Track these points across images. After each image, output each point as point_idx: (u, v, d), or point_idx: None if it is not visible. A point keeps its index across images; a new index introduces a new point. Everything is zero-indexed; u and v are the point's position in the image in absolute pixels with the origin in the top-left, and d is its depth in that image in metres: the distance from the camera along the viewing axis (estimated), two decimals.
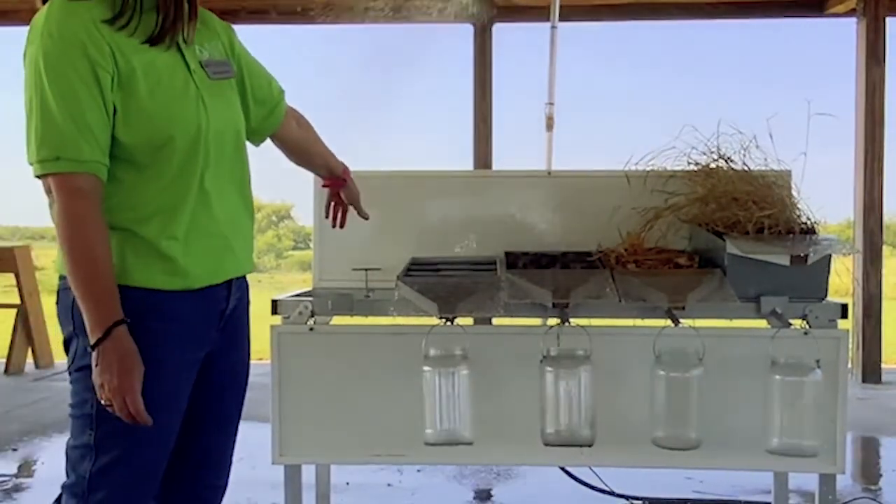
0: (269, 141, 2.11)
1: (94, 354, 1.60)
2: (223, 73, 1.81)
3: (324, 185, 2.31)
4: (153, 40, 1.68)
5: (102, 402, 1.61)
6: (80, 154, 1.59)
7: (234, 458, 2.00)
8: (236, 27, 1.98)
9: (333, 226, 2.34)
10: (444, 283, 2.39)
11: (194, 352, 1.77)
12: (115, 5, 1.65)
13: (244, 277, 1.89)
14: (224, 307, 1.81)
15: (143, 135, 1.65)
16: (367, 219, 2.35)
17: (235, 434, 1.97)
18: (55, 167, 1.60)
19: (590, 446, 2.27)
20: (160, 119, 1.66)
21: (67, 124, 1.58)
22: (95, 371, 1.60)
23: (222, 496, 1.96)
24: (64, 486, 1.73)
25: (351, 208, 2.33)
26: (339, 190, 2.30)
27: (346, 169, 2.28)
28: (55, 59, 1.59)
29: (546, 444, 2.28)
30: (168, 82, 1.68)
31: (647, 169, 2.73)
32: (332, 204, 2.32)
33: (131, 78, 1.63)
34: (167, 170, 1.68)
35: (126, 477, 1.70)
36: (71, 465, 1.72)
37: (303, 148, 2.18)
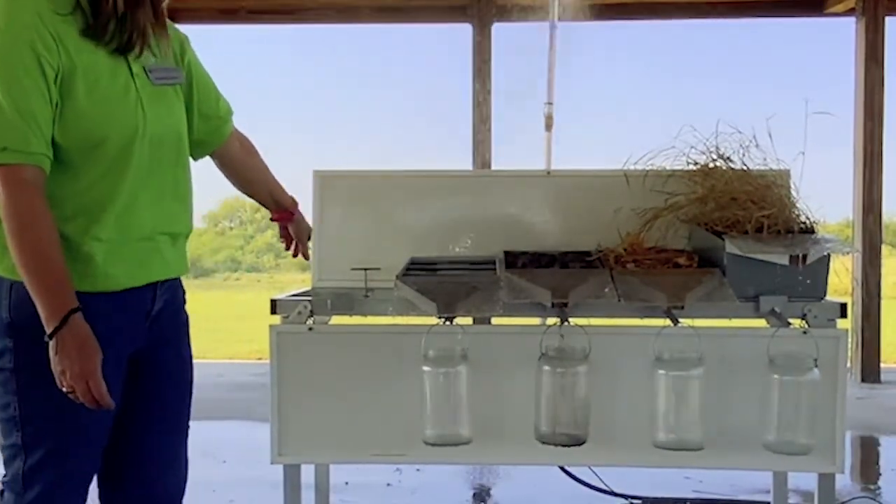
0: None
1: (51, 343, 1.61)
2: (168, 79, 1.81)
3: (272, 219, 2.31)
4: (121, 49, 1.69)
5: (64, 389, 1.63)
6: (28, 146, 1.59)
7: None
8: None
9: (294, 255, 2.36)
10: (444, 282, 2.39)
11: (117, 350, 1.76)
12: (88, 16, 1.66)
13: (175, 279, 1.89)
14: (149, 308, 1.81)
15: (76, 135, 1.65)
16: (307, 259, 2.38)
17: (186, 435, 1.97)
18: (2, 158, 1.59)
19: (581, 444, 2.27)
20: (95, 120, 1.65)
21: (14, 115, 1.58)
22: (55, 359, 1.61)
23: (180, 499, 1.96)
24: (3, 482, 1.75)
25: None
26: (286, 224, 2.30)
27: (294, 202, 2.27)
28: (3, 50, 1.59)
29: (539, 441, 2.29)
30: (107, 84, 1.68)
31: (647, 169, 2.73)
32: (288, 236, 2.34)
33: (72, 77, 1.63)
34: (93, 170, 1.68)
35: (57, 474, 1.71)
36: (5, 462, 1.75)
37: (244, 173, 2.17)
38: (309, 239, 2.36)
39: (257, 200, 2.29)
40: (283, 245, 2.34)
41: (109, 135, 1.66)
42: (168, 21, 1.86)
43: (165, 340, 1.88)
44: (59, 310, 1.60)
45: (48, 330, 1.61)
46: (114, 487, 1.87)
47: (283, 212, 2.28)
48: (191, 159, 1.98)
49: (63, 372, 1.61)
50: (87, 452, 1.75)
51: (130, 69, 1.72)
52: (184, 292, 1.94)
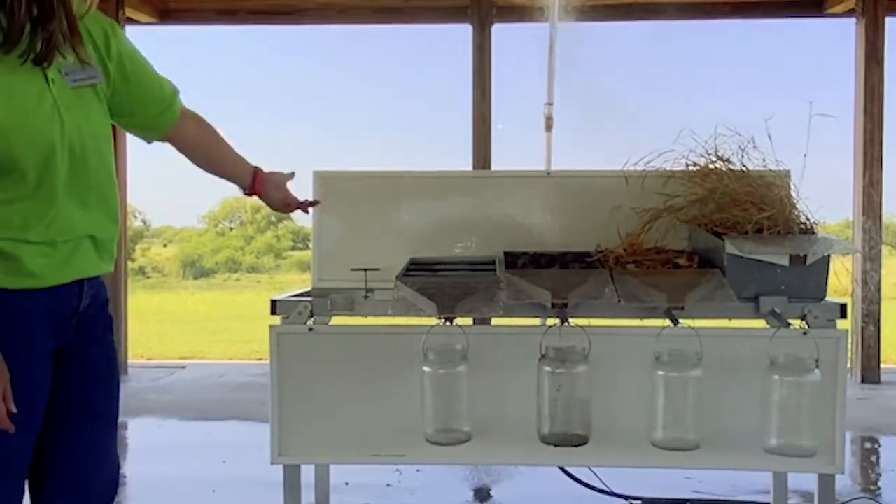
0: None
1: None
2: (86, 79, 1.78)
3: (249, 194, 2.28)
4: (37, 62, 1.66)
5: None
6: None
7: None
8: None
9: (300, 208, 2.41)
10: (444, 283, 2.39)
11: (45, 345, 1.77)
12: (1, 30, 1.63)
13: (98, 276, 1.88)
14: (77, 305, 1.81)
15: None
16: (311, 207, 2.43)
17: (115, 435, 1.96)
18: None
19: (584, 444, 2.28)
20: (10, 136, 1.63)
21: None
22: None
23: (113, 495, 1.95)
24: None
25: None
26: (261, 195, 2.28)
27: (255, 172, 2.25)
28: None
29: (543, 442, 2.29)
30: (21, 96, 1.65)
31: (647, 169, 2.73)
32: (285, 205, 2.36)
33: None
34: (23, 186, 1.67)
35: None
36: None
37: (203, 151, 2.15)
38: (292, 177, 2.35)
39: (225, 178, 2.26)
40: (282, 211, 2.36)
41: (25, 149, 1.64)
42: (95, 12, 1.82)
43: (91, 338, 1.88)
44: None
45: None
46: (42, 488, 1.86)
47: (251, 186, 2.25)
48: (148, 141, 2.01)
49: None
50: (20, 449, 1.75)
51: (46, 75, 1.69)
52: (106, 291, 1.94)
